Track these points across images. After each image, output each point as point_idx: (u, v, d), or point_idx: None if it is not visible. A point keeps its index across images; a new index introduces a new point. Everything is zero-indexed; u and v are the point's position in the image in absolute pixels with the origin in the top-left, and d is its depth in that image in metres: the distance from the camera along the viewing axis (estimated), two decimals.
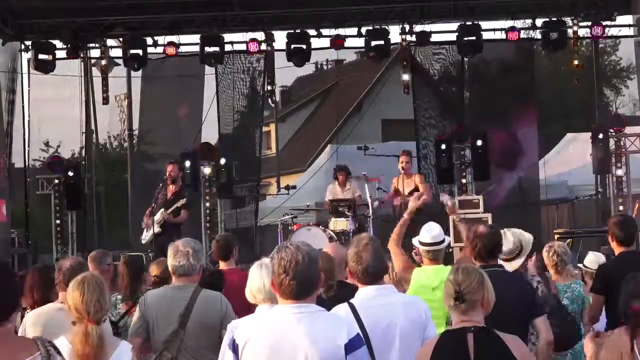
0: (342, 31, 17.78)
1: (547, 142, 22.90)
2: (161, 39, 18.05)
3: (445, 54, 19.09)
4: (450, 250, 13.00)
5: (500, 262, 6.51)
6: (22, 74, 18.81)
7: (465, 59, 18.53)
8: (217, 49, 17.64)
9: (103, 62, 18.72)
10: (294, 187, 17.69)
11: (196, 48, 17.89)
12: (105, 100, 19.28)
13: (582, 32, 18.00)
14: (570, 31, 17.82)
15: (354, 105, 32.82)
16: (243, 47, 18.11)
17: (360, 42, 17.88)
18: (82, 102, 19.90)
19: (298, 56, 17.64)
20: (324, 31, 17.85)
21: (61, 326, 4.97)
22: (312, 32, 17.72)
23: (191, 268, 5.98)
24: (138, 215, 15.90)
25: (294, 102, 37.80)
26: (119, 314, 7.23)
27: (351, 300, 4.97)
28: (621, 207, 16.68)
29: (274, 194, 22.03)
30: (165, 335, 5.86)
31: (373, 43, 17.54)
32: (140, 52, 17.71)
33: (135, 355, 4.90)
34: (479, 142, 16.93)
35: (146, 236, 14.23)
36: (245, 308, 5.52)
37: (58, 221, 17.56)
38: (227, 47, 18.04)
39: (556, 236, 14.77)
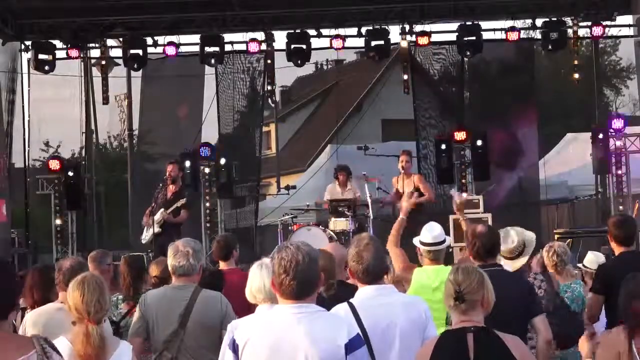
0: (342, 31, 17.79)
1: (547, 142, 22.91)
2: (161, 39, 18.05)
3: (445, 54, 19.09)
4: (451, 250, 12.99)
5: (503, 260, 6.53)
6: (22, 74, 18.82)
7: (465, 59, 18.52)
8: (217, 49, 17.64)
9: (103, 62, 18.73)
10: (294, 187, 17.69)
11: (196, 48, 17.89)
12: (105, 100, 19.29)
13: (582, 32, 18.01)
14: (570, 31, 17.83)
15: (354, 105, 32.84)
16: (243, 47, 18.12)
17: (360, 42, 17.89)
18: (82, 102, 19.90)
19: (298, 56, 17.64)
20: (324, 31, 17.85)
21: (61, 326, 4.97)
22: (312, 32, 17.73)
23: (191, 268, 5.98)
24: (138, 215, 15.90)
25: (294, 102, 37.81)
26: (120, 314, 7.23)
27: (351, 300, 4.96)
28: (621, 207, 16.67)
29: (274, 194, 22.03)
30: (165, 335, 5.86)
31: (373, 43, 17.55)
32: (140, 52, 17.72)
33: (135, 355, 4.90)
34: (479, 142, 16.93)
35: (146, 236, 14.23)
36: (245, 308, 5.53)
37: (58, 221, 17.56)
38: (227, 47, 18.05)
39: (556, 236, 14.76)
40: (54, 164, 17.55)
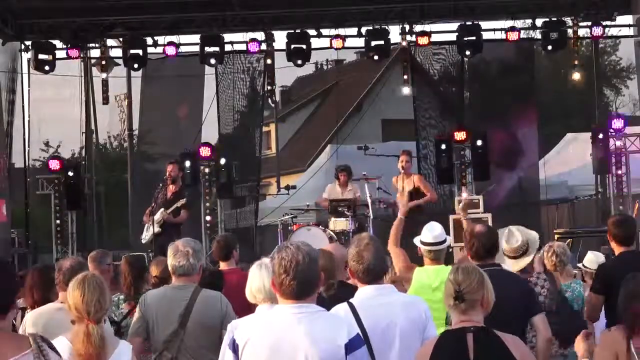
0: (342, 31, 17.79)
1: (547, 142, 22.91)
2: (161, 39, 18.05)
3: (445, 54, 19.09)
4: (451, 250, 12.99)
5: (507, 260, 6.53)
6: (22, 74, 18.82)
7: (465, 59, 18.52)
8: (217, 49, 17.64)
9: (103, 62, 18.73)
10: (294, 187, 17.68)
11: (196, 48, 17.89)
12: (105, 100, 19.29)
13: (582, 32, 18.01)
14: (570, 31, 17.83)
15: (354, 105, 32.84)
16: (243, 47, 18.13)
17: (360, 42, 17.89)
18: (82, 102, 19.90)
19: (298, 56, 17.65)
20: (324, 31, 17.86)
21: (61, 326, 4.96)
22: (312, 32, 17.73)
23: (191, 268, 5.98)
24: (138, 215, 15.90)
25: (294, 102, 37.81)
26: (121, 314, 7.23)
27: (351, 300, 4.96)
28: (621, 207, 16.67)
29: (274, 194, 22.03)
30: (165, 335, 5.86)
31: (373, 43, 17.55)
32: (140, 52, 17.72)
33: (134, 355, 4.90)
34: (479, 142, 16.93)
35: (146, 236, 14.22)
36: (245, 308, 5.52)
37: (58, 221, 17.56)
38: (227, 47, 18.05)
39: (556, 236, 14.75)
40: (54, 164, 17.56)
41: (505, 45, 18.31)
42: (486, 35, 17.58)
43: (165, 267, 6.35)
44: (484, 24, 17.63)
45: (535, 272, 7.46)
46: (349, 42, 17.97)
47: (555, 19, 17.50)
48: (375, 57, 17.94)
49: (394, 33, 17.83)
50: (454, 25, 17.78)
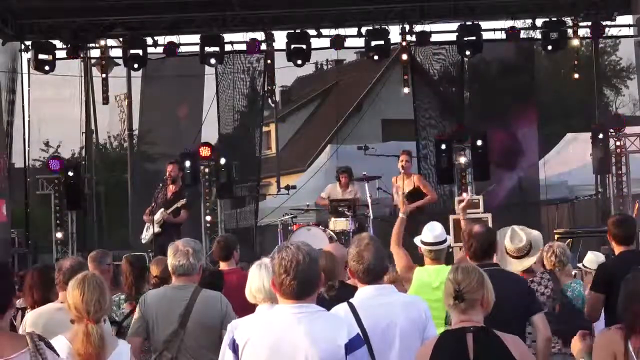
0: (342, 31, 17.79)
1: (547, 142, 22.91)
2: (161, 39, 18.06)
3: (445, 54, 19.10)
4: (451, 250, 12.98)
5: (510, 259, 6.53)
6: (22, 74, 18.82)
7: (465, 59, 18.52)
8: (217, 49, 17.65)
9: (103, 62, 18.72)
10: (294, 187, 17.67)
11: (196, 48, 17.90)
12: (105, 100, 19.31)
13: (582, 32, 18.01)
14: (570, 31, 17.83)
15: (354, 105, 32.82)
16: (243, 47, 18.14)
17: (360, 42, 17.89)
18: (82, 102, 19.91)
19: (298, 56, 17.65)
20: (324, 31, 17.86)
21: (61, 326, 4.96)
22: (312, 32, 17.73)
23: (191, 268, 5.98)
24: (138, 215, 15.90)
25: (294, 102, 37.80)
26: (123, 314, 7.23)
27: (351, 300, 4.97)
28: (621, 207, 16.67)
29: (274, 194, 22.01)
30: (165, 335, 5.86)
31: (373, 43, 17.56)
32: (140, 52, 17.72)
33: (134, 354, 4.90)
34: (479, 142, 16.92)
35: (146, 236, 14.22)
36: (245, 308, 5.52)
37: (58, 221, 17.57)
38: (227, 47, 18.06)
39: (556, 236, 14.74)
40: (54, 164, 17.55)
41: (505, 45, 18.33)
42: (486, 35, 17.60)
43: (166, 267, 6.35)
44: (484, 24, 17.64)
45: (539, 272, 7.46)
46: (349, 42, 17.98)
47: (555, 19, 17.50)
48: (375, 57, 17.96)
49: (394, 33, 17.87)
50: (454, 25, 17.78)
